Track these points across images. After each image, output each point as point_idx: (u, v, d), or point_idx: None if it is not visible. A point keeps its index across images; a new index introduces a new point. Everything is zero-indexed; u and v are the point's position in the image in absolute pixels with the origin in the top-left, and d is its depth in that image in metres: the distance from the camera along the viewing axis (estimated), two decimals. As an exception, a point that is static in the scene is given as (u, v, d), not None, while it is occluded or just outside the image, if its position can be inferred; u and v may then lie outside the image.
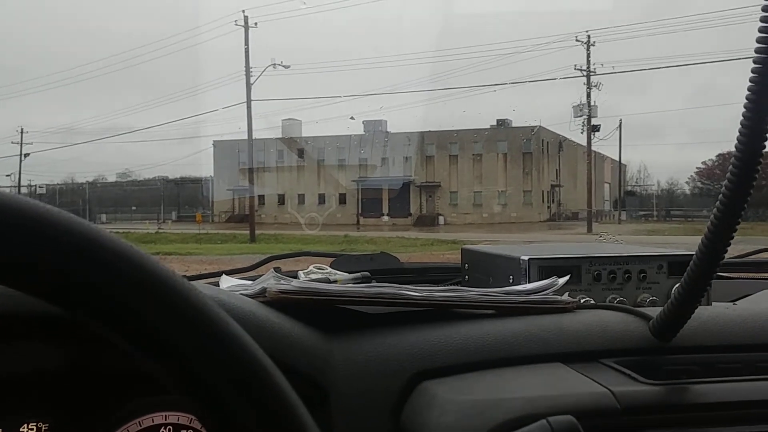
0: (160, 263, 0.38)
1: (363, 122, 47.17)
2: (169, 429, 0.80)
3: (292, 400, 0.38)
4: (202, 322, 0.37)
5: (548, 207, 47.33)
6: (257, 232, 26.26)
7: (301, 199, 48.51)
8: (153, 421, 0.79)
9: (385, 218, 45.83)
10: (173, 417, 0.80)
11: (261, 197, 47.44)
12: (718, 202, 0.64)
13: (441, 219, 45.64)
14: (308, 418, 0.39)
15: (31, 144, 45.60)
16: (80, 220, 0.36)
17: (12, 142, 45.22)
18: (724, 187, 0.64)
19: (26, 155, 44.48)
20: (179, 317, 0.36)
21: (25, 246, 0.34)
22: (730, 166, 0.63)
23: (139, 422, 0.79)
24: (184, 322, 0.37)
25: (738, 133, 0.61)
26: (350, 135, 47.22)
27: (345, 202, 47.29)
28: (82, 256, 0.35)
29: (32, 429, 0.78)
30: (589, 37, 34.25)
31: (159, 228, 31.38)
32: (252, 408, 0.37)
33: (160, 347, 0.36)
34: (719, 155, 57.50)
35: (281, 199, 49.09)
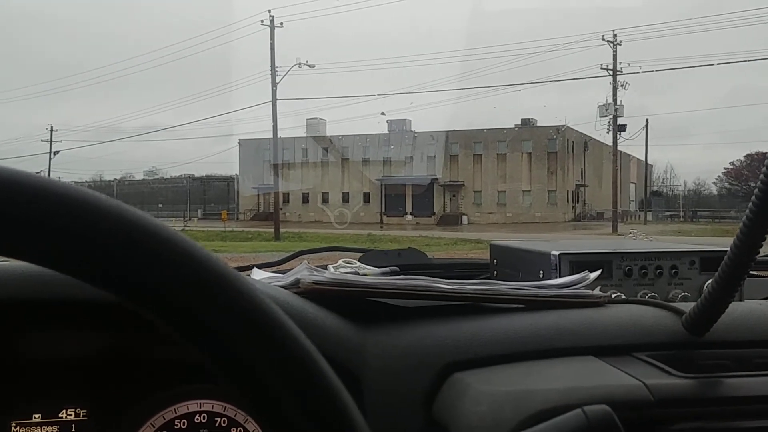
0: (220, 260, 0.38)
1: (387, 121, 47.23)
2: (204, 416, 0.81)
3: (343, 396, 0.39)
4: (260, 317, 0.38)
5: (573, 207, 46.99)
6: (281, 230, 26.40)
7: (325, 197, 48.68)
8: (188, 409, 0.81)
9: (409, 217, 45.82)
10: (207, 405, 0.81)
11: (285, 196, 47.68)
12: (753, 197, 0.64)
13: (464, 218, 45.53)
14: (358, 414, 0.39)
15: (60, 142, 46.31)
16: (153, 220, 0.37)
17: (41, 140, 45.96)
18: (760, 182, 0.63)
19: (55, 153, 45.17)
20: (238, 313, 0.37)
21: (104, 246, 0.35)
22: (765, 164, 0.62)
23: (175, 409, 0.80)
24: (243, 318, 0.37)
25: None
26: (375, 134, 47.29)
27: (369, 201, 47.35)
28: (146, 251, 0.36)
29: (71, 414, 0.79)
30: (615, 36, 33.98)
31: (185, 225, 31.66)
32: (302, 400, 0.38)
33: (218, 342, 0.37)
34: (748, 155, 56.76)
35: (305, 198, 49.30)
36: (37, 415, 0.78)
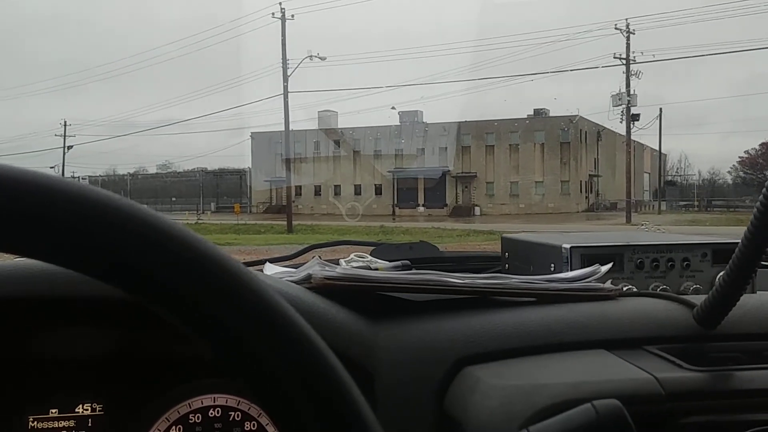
0: (232, 258, 0.39)
1: (399, 113, 47.13)
2: (218, 410, 0.82)
3: (353, 392, 0.39)
4: (271, 315, 0.38)
5: (586, 197, 46.78)
6: (294, 222, 26.45)
7: (337, 190, 48.71)
8: (202, 403, 0.81)
9: (421, 209, 45.78)
10: (221, 399, 0.82)
11: (298, 188, 47.74)
12: (764, 189, 0.64)
13: (477, 209, 45.44)
14: (368, 409, 0.40)
15: (74, 137, 46.59)
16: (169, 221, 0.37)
17: (55, 135, 46.24)
18: None
19: (69, 147, 45.43)
20: (248, 308, 0.38)
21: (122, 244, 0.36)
22: None
23: (189, 404, 0.81)
24: (254, 313, 0.38)
25: None
26: (386, 126, 47.22)
27: (381, 193, 47.34)
28: (164, 249, 0.36)
29: (87, 410, 0.80)
30: (628, 24, 33.72)
31: (198, 219, 31.79)
32: (313, 395, 0.38)
33: (232, 339, 0.37)
34: (763, 144, 56.26)
35: (317, 190, 49.35)
36: (54, 410, 0.79)
